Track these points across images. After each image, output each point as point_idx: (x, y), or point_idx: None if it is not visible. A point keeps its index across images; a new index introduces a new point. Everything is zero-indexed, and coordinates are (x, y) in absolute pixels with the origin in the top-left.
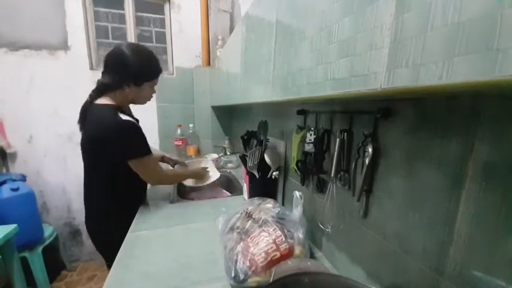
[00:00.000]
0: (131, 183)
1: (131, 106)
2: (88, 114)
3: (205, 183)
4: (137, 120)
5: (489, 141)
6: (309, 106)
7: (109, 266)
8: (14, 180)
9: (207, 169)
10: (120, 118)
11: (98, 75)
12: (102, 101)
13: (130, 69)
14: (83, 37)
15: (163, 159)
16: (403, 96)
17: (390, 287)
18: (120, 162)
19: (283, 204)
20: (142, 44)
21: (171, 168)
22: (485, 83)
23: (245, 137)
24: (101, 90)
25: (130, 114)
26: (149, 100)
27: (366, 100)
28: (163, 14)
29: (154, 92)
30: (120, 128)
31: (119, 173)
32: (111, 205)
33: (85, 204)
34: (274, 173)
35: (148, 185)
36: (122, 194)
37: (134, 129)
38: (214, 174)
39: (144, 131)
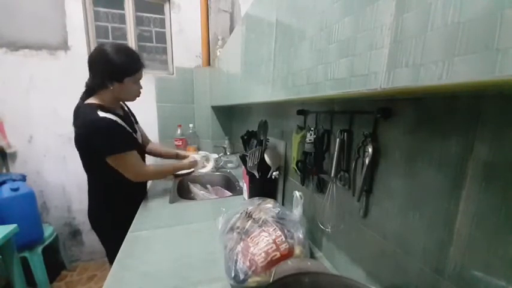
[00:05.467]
0: (127, 181)
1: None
2: (77, 115)
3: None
4: (134, 117)
5: (489, 141)
6: (309, 106)
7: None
8: (14, 180)
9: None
10: (97, 115)
11: None
12: (89, 101)
13: (110, 66)
14: (83, 37)
15: (177, 156)
16: (403, 96)
17: (390, 287)
18: (104, 160)
19: (283, 204)
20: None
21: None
22: (485, 83)
23: (245, 137)
24: (88, 91)
25: (125, 111)
26: (138, 96)
27: (365, 100)
28: (163, 14)
29: (140, 87)
30: (95, 125)
31: (113, 171)
32: (110, 201)
33: (88, 200)
34: (274, 173)
35: (149, 183)
36: (120, 191)
37: (110, 126)
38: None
39: (143, 130)
